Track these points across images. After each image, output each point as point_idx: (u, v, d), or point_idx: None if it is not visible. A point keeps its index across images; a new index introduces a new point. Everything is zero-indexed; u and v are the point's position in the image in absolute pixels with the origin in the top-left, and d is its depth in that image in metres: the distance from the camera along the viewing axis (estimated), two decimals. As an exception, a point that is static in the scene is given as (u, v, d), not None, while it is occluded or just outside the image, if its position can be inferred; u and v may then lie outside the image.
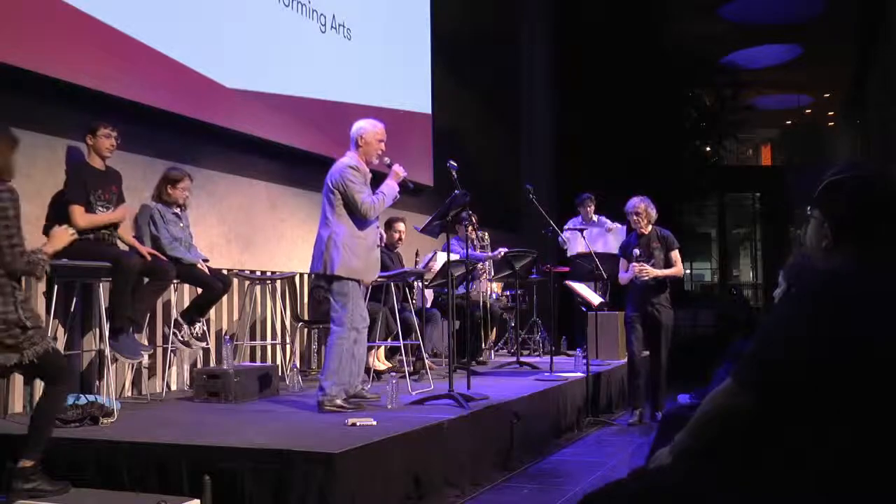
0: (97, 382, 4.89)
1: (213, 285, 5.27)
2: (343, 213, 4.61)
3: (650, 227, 6.23)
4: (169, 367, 5.32)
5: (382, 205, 4.66)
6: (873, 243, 1.71)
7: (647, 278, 6.12)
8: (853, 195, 1.76)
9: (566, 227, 8.25)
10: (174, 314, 5.41)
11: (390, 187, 4.71)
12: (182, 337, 5.19)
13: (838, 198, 1.77)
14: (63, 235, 3.49)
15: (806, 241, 1.85)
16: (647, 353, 6.52)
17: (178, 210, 5.27)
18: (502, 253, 7.28)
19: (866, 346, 1.57)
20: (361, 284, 4.73)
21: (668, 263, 6.23)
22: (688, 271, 20.23)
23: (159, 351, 5.39)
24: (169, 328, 5.27)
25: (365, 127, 4.79)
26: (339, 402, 4.49)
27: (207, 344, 5.45)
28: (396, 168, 4.75)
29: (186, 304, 5.61)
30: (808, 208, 1.82)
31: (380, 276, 5.12)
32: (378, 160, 4.80)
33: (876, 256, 1.70)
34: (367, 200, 4.59)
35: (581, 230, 7.90)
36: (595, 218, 8.59)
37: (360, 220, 4.62)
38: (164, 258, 4.94)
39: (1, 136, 3.50)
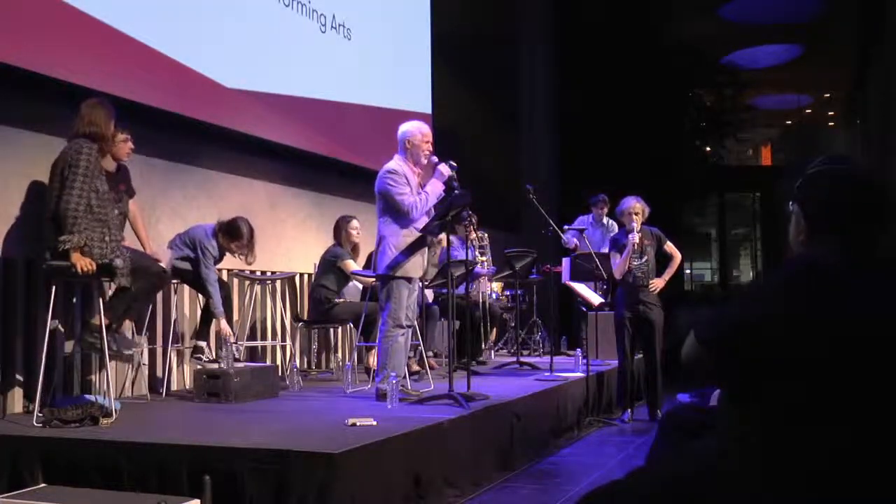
0: (96, 382, 4.89)
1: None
2: (388, 215, 4.91)
3: (640, 226, 6.28)
4: (169, 368, 5.32)
5: (425, 202, 4.90)
6: (846, 234, 1.73)
7: (661, 287, 6.27)
8: (825, 188, 1.79)
9: (570, 225, 8.20)
10: (174, 314, 5.41)
11: (434, 185, 4.94)
12: (206, 358, 5.19)
13: (812, 191, 1.80)
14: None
15: (788, 235, 1.88)
16: (640, 354, 6.56)
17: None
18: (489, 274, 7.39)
19: (828, 329, 1.60)
20: (412, 281, 5.00)
21: (661, 259, 6.30)
22: (688, 271, 20.24)
23: (159, 351, 5.39)
24: (169, 328, 5.26)
25: (410, 130, 5.03)
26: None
27: (236, 352, 5.41)
28: (441, 167, 4.95)
29: (187, 303, 5.62)
30: (790, 204, 1.85)
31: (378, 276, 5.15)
32: (426, 160, 5.01)
33: (849, 246, 1.72)
34: (408, 201, 4.85)
35: (581, 230, 7.90)
36: (606, 221, 8.55)
37: (405, 220, 4.89)
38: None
39: (101, 106, 4.22)
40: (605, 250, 7.14)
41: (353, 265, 6.20)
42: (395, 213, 4.89)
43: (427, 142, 5.02)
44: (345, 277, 6.24)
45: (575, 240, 7.89)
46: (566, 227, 8.10)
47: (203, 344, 5.24)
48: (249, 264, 5.48)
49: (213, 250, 5.19)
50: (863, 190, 1.77)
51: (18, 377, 4.46)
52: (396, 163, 4.98)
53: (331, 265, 6.19)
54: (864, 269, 1.69)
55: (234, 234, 5.25)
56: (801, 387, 1.59)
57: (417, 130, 5.02)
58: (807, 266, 1.71)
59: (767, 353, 1.61)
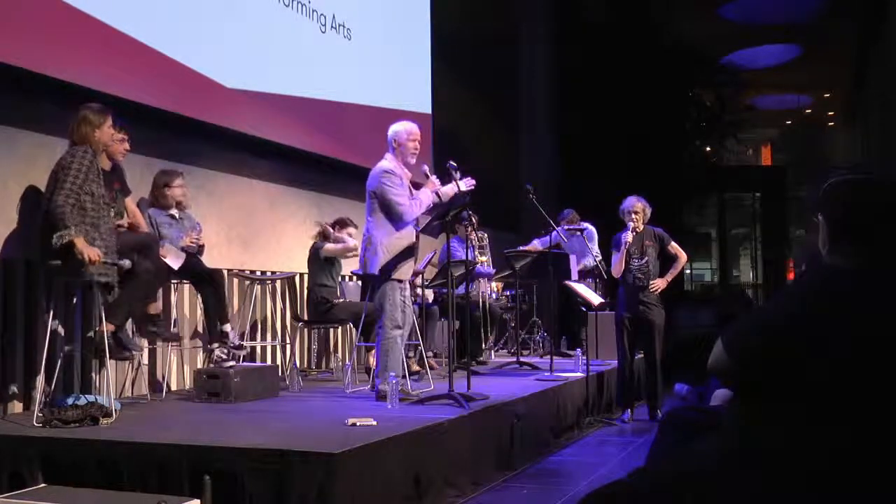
0: (96, 382, 4.89)
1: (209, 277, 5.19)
2: (381, 215, 4.91)
3: (643, 227, 6.28)
4: (169, 368, 5.32)
5: (419, 208, 4.93)
6: (866, 244, 1.73)
7: (663, 288, 6.26)
8: (847, 198, 1.78)
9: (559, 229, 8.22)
10: (174, 314, 5.41)
11: (426, 194, 4.99)
12: (220, 356, 5.15)
13: (834, 201, 1.80)
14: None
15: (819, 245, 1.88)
16: (640, 354, 6.56)
17: (174, 212, 5.23)
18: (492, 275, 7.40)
19: (848, 344, 1.61)
20: (403, 283, 5.00)
21: (665, 260, 6.31)
22: (688, 271, 20.23)
23: (160, 351, 5.39)
24: (169, 328, 5.25)
25: (398, 129, 5.10)
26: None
27: (245, 349, 5.40)
28: (433, 179, 5.04)
29: (187, 303, 5.61)
30: (816, 216, 1.85)
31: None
32: (413, 159, 5.07)
33: (869, 257, 1.72)
34: (404, 203, 4.88)
35: (581, 230, 7.92)
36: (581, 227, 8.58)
37: (397, 222, 4.90)
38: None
39: (96, 112, 4.25)
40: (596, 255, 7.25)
41: (330, 245, 6.19)
42: (388, 214, 4.90)
43: (413, 140, 5.07)
44: (331, 265, 6.22)
45: (537, 244, 7.93)
46: (561, 228, 8.10)
47: (228, 328, 5.17)
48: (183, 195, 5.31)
49: (156, 216, 5.13)
50: (882, 197, 1.77)
51: (18, 377, 4.45)
52: (390, 162, 5.00)
53: (315, 258, 6.20)
54: (885, 273, 1.70)
55: (166, 182, 5.17)
56: (823, 387, 1.60)
57: (404, 129, 5.08)
58: (829, 272, 1.72)
59: (790, 354, 1.62)
